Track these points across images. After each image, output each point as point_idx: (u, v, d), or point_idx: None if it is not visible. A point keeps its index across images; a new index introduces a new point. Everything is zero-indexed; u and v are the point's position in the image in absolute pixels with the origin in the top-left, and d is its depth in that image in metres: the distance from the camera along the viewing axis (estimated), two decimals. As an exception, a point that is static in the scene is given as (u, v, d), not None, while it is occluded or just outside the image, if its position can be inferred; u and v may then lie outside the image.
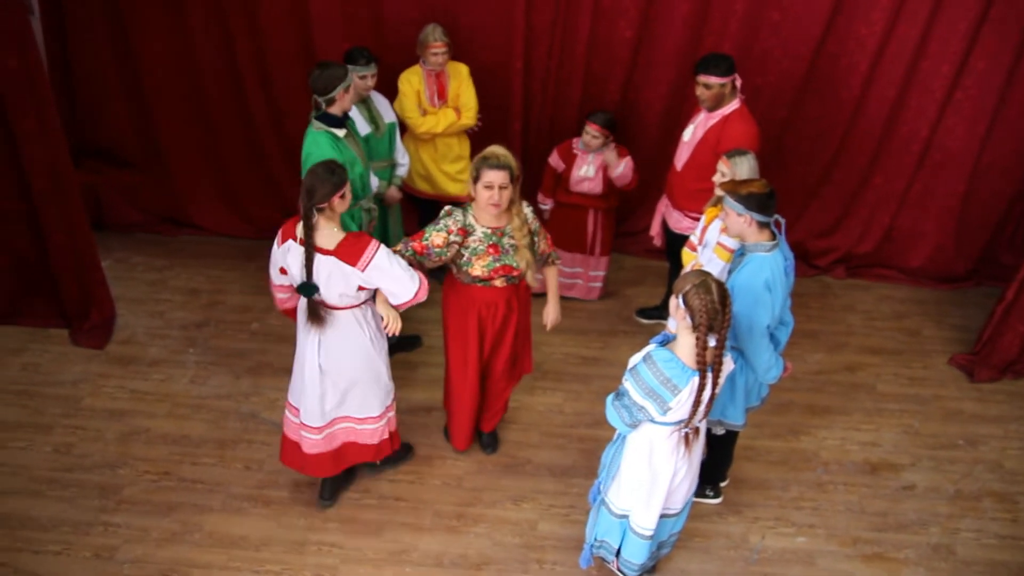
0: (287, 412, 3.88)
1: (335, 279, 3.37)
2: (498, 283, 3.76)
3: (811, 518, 4.15)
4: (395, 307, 3.52)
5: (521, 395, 4.78)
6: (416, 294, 3.46)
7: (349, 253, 3.32)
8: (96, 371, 4.83)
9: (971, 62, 5.08)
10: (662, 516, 3.38)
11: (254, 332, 5.18)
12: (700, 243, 4.01)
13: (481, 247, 3.66)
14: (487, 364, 4.09)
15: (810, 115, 5.37)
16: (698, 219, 4.46)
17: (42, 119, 4.45)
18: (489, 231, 3.66)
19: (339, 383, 3.68)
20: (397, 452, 4.17)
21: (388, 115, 4.74)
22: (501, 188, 3.50)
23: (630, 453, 3.26)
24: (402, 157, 4.85)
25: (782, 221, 3.40)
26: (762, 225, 3.33)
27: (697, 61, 4.43)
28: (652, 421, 3.10)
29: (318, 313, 3.47)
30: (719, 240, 3.79)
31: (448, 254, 3.67)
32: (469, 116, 4.99)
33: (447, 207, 3.71)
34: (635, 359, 3.09)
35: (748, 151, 3.89)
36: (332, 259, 3.33)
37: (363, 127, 4.57)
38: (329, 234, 3.34)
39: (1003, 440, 4.63)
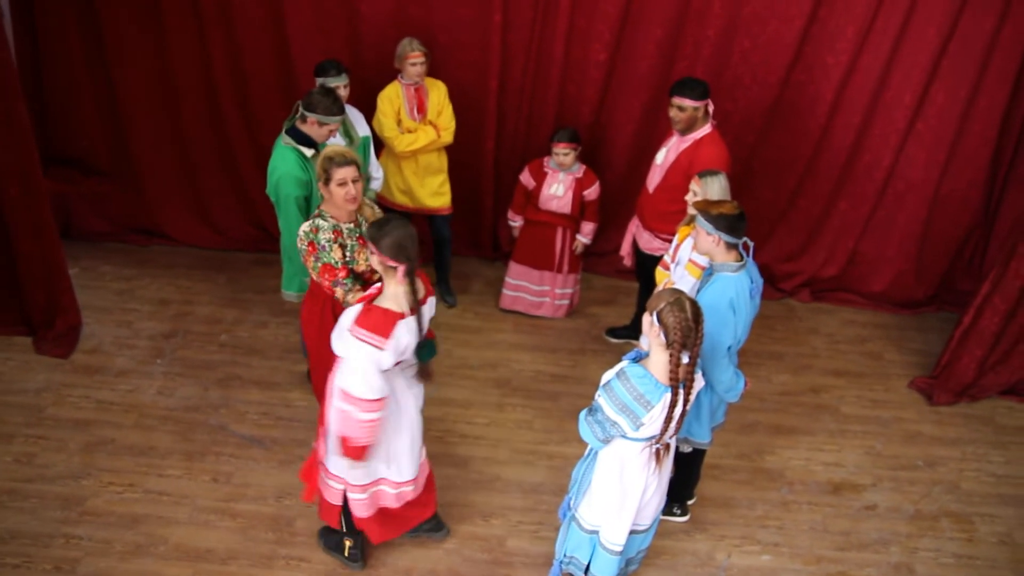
0: (374, 491, 3.62)
1: (427, 318, 3.36)
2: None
3: (776, 536, 4.21)
4: None
5: (491, 412, 4.81)
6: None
7: (428, 286, 3.38)
8: (60, 380, 4.76)
9: (932, 93, 5.24)
10: (631, 532, 3.41)
11: (223, 344, 5.14)
12: (673, 261, 4.08)
13: (352, 242, 3.73)
14: None
15: (777, 141, 5.49)
16: (669, 240, 4.54)
17: (12, 125, 4.40)
18: (352, 225, 3.74)
19: (417, 434, 3.60)
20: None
21: (363, 129, 4.77)
22: (354, 182, 3.61)
23: (601, 469, 3.29)
24: (376, 171, 4.87)
25: (750, 244, 3.48)
26: (730, 246, 3.41)
27: (673, 83, 4.52)
28: (624, 437, 3.14)
29: (429, 368, 3.46)
30: (690, 257, 3.88)
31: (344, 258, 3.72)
32: (448, 134, 5.04)
33: (303, 228, 3.67)
34: (608, 375, 3.13)
35: (719, 171, 3.97)
36: (429, 300, 3.36)
37: (337, 141, 4.59)
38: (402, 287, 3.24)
39: (960, 462, 4.75)
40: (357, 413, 3.18)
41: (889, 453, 4.77)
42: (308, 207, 4.05)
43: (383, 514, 3.68)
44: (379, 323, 3.12)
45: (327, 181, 3.59)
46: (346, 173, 3.57)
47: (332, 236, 3.65)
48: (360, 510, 3.60)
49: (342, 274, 3.68)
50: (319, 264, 3.67)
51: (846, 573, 4.05)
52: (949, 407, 5.13)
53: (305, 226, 3.66)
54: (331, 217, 3.69)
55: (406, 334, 3.20)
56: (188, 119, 5.51)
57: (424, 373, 3.45)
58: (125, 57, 5.28)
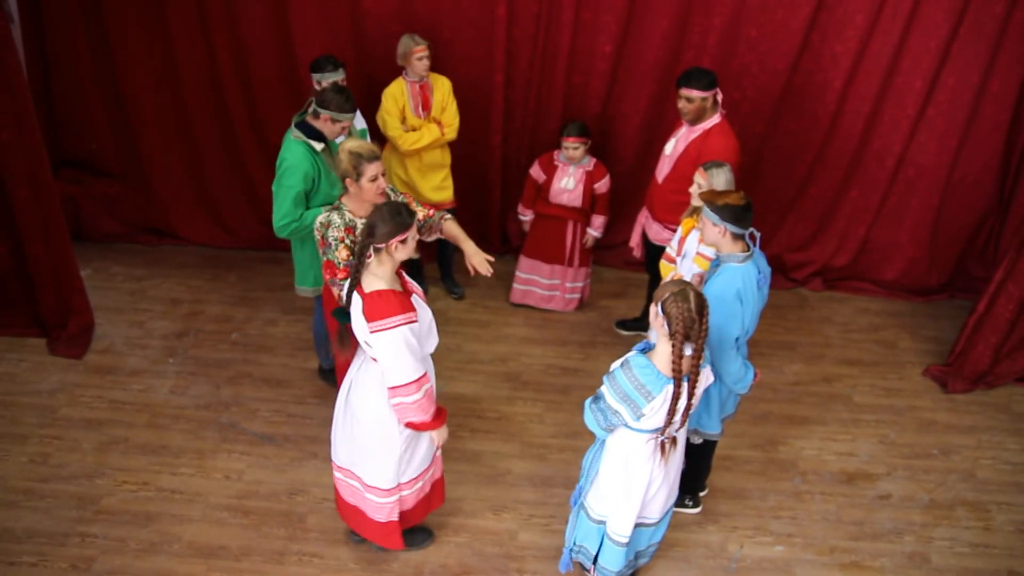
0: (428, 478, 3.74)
1: (358, 321, 3.18)
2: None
3: (789, 527, 4.19)
4: (390, 391, 3.25)
5: (501, 406, 4.81)
6: (407, 387, 3.18)
7: (373, 307, 3.11)
8: (74, 381, 4.80)
9: (942, 78, 5.18)
10: (639, 525, 3.40)
11: (234, 342, 5.17)
12: (678, 254, 4.06)
13: (351, 238, 3.69)
14: None
15: (787, 130, 5.45)
16: (677, 230, 4.52)
17: (22, 128, 4.44)
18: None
19: (354, 430, 3.45)
20: (415, 535, 3.92)
21: (359, 122, 4.79)
22: (383, 175, 3.63)
23: (608, 458, 3.29)
24: None
25: (757, 234, 3.45)
26: (736, 236, 3.39)
27: (680, 75, 4.49)
28: (627, 426, 3.13)
29: (347, 338, 3.33)
30: (698, 250, 3.85)
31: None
32: (451, 131, 5.03)
33: (319, 219, 3.67)
34: (615, 365, 3.13)
35: (725, 163, 3.94)
36: (360, 301, 3.15)
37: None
38: (373, 278, 3.15)
39: (976, 450, 4.70)
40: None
41: (903, 442, 4.73)
42: (307, 202, 4.07)
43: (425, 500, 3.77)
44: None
45: (358, 178, 3.56)
46: (376, 168, 3.56)
47: (342, 235, 3.63)
48: (409, 502, 3.66)
49: (340, 275, 3.66)
50: (324, 259, 3.69)
51: (860, 563, 4.02)
52: (964, 395, 5.08)
53: (321, 218, 3.66)
54: (348, 212, 3.66)
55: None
56: (195, 119, 5.54)
57: (342, 339, 3.37)
58: (132, 59, 5.31)
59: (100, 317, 5.23)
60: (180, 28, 5.19)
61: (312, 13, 5.12)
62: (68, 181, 5.65)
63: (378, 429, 3.39)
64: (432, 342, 3.38)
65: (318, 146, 4.07)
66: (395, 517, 3.63)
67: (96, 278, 5.62)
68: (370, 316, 3.09)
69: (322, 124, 4.07)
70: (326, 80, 4.51)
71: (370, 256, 3.13)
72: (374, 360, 3.25)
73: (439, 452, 3.68)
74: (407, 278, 3.37)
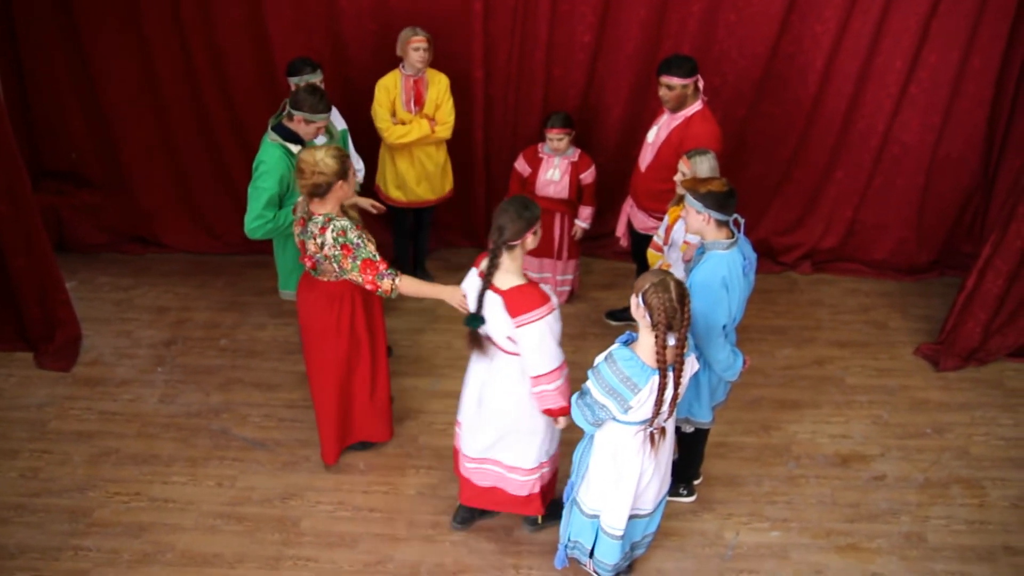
0: (456, 426, 3.84)
1: (498, 320, 3.28)
2: None
3: (784, 512, 4.18)
4: (533, 380, 3.38)
5: (493, 401, 4.79)
6: (551, 374, 3.32)
7: (516, 303, 3.21)
8: (62, 394, 4.77)
9: (923, 56, 5.17)
10: (632, 517, 3.39)
11: (223, 348, 5.15)
12: (665, 243, 4.05)
13: (363, 231, 3.71)
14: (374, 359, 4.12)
15: (769, 113, 5.43)
16: (663, 219, 4.50)
17: (-2, 141, 4.41)
18: (352, 217, 3.76)
19: (496, 424, 3.57)
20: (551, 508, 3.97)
21: (340, 123, 4.77)
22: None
23: (597, 453, 3.28)
24: (356, 163, 4.86)
25: (741, 220, 3.44)
26: (720, 223, 3.37)
27: (660, 63, 4.47)
28: (615, 420, 3.12)
29: (480, 341, 3.43)
30: (685, 239, 3.84)
31: None
32: (444, 130, 5.00)
33: (330, 234, 3.57)
34: (598, 358, 3.12)
35: (708, 151, 3.93)
36: (499, 299, 3.24)
37: (320, 138, 4.57)
38: (507, 275, 3.26)
39: (969, 427, 4.70)
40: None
41: (896, 422, 4.73)
42: (281, 204, 4.06)
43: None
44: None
45: (346, 174, 3.55)
46: (348, 160, 3.62)
47: (359, 231, 3.61)
48: (549, 475, 3.81)
49: (383, 266, 3.60)
50: (358, 262, 3.58)
51: (856, 545, 4.02)
52: (956, 372, 5.08)
53: (330, 234, 3.55)
54: (338, 215, 3.62)
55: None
56: (175, 125, 5.50)
57: (475, 342, 3.48)
58: (108, 67, 5.28)
59: (87, 328, 5.21)
60: (156, 34, 5.16)
61: (288, 14, 5.09)
62: (50, 192, 5.61)
63: (525, 416, 3.52)
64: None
65: (295, 148, 4.05)
66: (536, 490, 3.77)
67: (82, 289, 5.58)
68: (514, 311, 3.21)
69: (296, 125, 4.05)
70: (304, 82, 4.49)
71: (501, 255, 3.23)
72: (508, 354, 3.37)
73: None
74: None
